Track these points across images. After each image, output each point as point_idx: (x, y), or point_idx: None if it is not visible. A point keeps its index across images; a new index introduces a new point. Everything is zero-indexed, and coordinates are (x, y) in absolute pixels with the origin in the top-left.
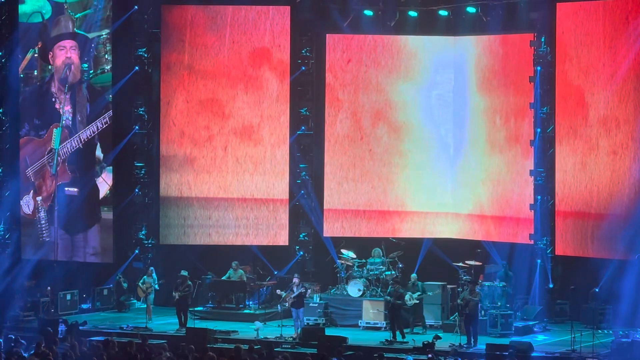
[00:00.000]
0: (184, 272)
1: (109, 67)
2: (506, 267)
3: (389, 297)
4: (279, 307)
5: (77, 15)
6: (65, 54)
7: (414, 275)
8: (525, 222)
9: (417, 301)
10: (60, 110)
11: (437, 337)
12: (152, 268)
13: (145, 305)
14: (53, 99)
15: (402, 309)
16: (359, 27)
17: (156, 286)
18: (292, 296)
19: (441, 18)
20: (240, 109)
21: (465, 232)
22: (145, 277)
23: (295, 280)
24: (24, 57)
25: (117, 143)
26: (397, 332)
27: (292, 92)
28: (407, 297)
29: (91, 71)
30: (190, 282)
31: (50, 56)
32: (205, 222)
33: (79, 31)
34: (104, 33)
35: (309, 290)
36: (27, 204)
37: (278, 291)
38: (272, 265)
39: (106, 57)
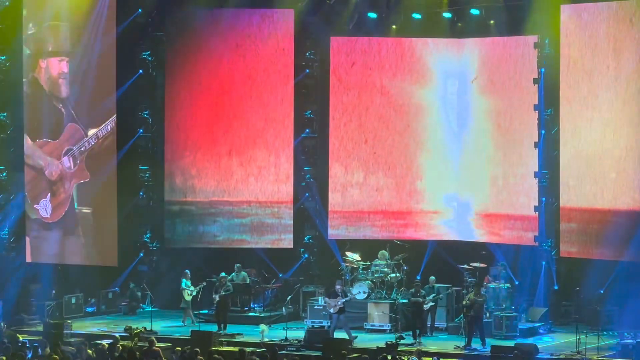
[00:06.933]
0: (223, 274)
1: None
2: (505, 267)
3: (412, 298)
4: (283, 310)
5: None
6: (60, 68)
7: (432, 278)
8: (530, 223)
9: (433, 303)
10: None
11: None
12: (187, 271)
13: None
14: (59, 106)
15: (423, 309)
16: (363, 29)
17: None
18: (342, 301)
19: (445, 20)
20: (245, 112)
21: (470, 234)
22: (187, 281)
23: (338, 287)
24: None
25: (121, 146)
26: (417, 331)
27: (296, 95)
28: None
29: None
30: (229, 284)
31: (44, 66)
32: (210, 225)
33: None
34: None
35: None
36: (45, 207)
37: (325, 298)
38: (277, 268)
39: None
